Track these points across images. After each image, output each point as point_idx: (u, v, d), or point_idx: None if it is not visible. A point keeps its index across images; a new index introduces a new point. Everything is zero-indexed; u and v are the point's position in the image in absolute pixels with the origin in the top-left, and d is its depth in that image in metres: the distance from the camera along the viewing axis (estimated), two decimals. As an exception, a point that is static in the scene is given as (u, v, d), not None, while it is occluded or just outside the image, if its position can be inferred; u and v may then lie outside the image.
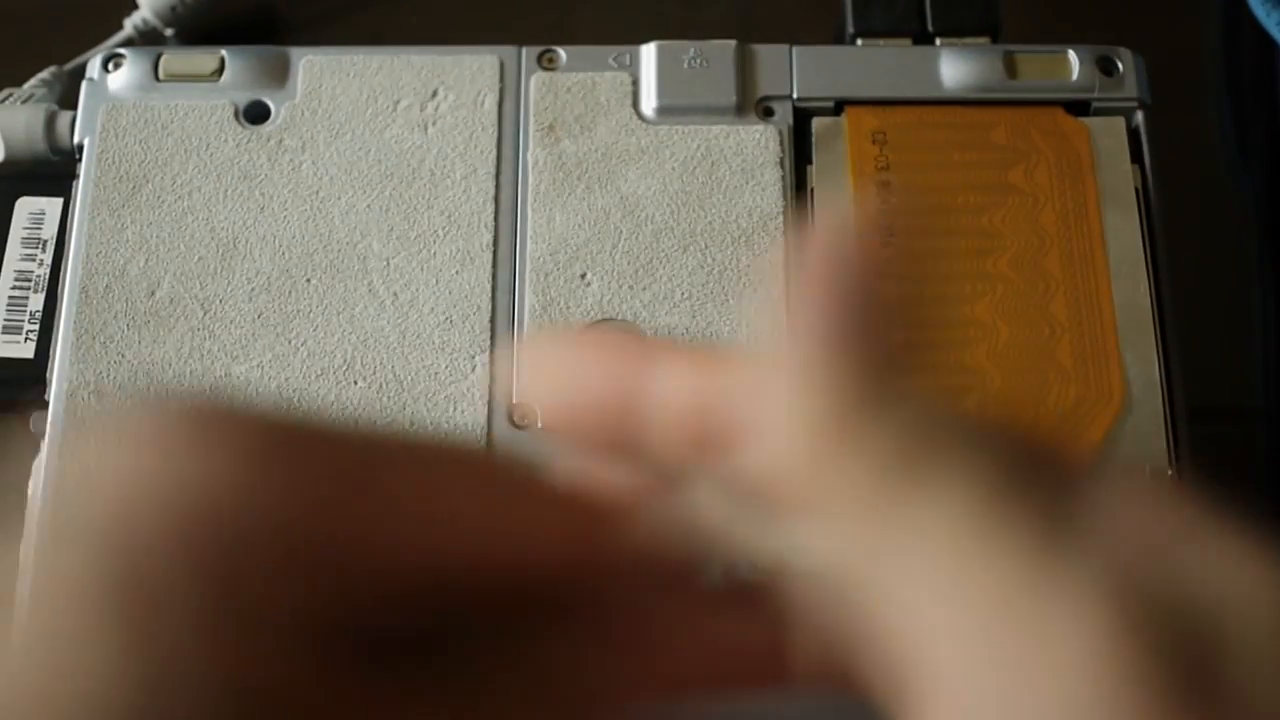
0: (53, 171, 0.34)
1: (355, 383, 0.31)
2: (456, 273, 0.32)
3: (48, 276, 0.32)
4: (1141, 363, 0.31)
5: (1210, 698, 0.13)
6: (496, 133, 0.33)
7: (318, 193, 0.33)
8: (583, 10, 0.40)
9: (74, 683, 0.13)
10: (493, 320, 0.31)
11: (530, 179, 0.33)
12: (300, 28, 0.40)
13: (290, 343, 0.31)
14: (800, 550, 0.16)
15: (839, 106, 0.34)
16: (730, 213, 0.32)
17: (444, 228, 0.32)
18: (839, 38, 0.36)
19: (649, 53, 0.34)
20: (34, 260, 0.33)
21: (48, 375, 0.31)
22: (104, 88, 0.34)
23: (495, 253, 0.32)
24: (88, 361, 0.31)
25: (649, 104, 0.34)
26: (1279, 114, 0.39)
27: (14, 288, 0.32)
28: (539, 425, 0.30)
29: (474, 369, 0.31)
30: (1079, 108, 0.34)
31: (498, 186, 0.33)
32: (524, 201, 0.33)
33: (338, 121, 0.33)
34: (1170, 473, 0.30)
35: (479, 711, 0.16)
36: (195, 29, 0.39)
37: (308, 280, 0.32)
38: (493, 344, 0.31)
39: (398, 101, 0.34)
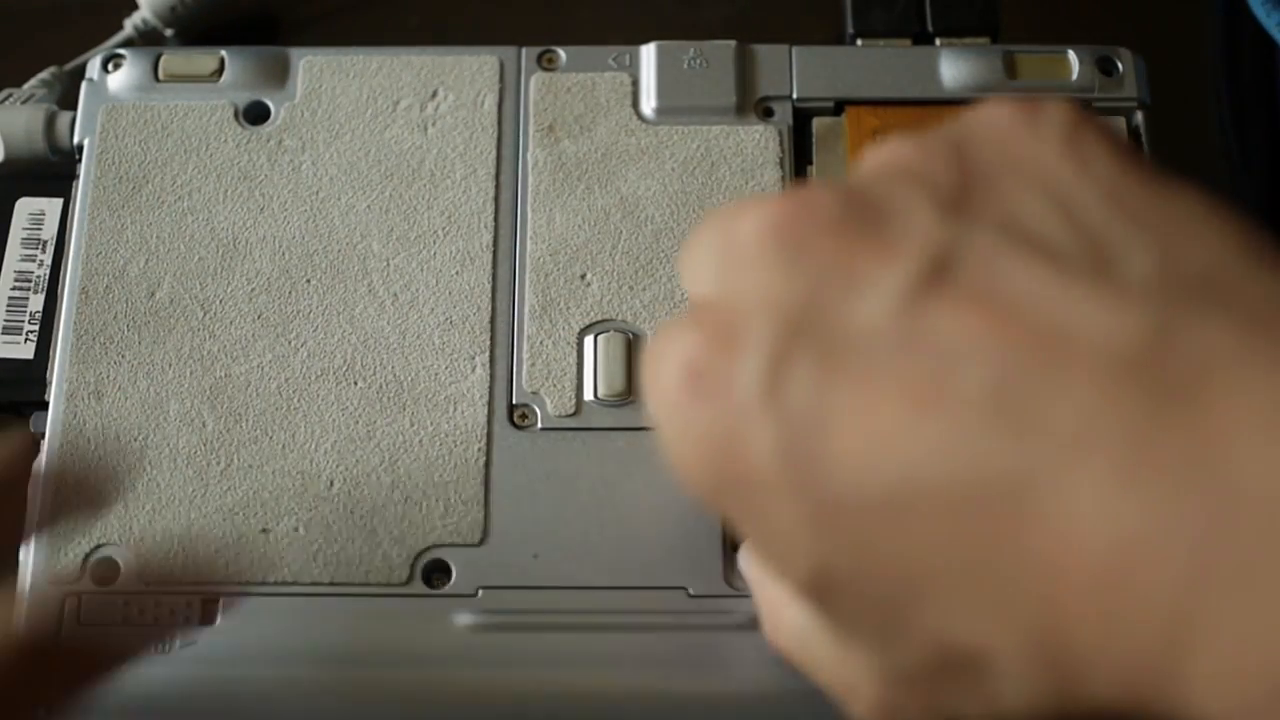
0: (53, 172, 0.34)
1: (355, 383, 0.31)
2: (456, 273, 0.32)
3: (48, 277, 0.32)
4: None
5: None
6: (496, 133, 0.33)
7: (317, 193, 0.33)
8: (582, 10, 0.40)
9: None
10: (492, 321, 0.31)
11: (530, 179, 0.33)
12: (300, 28, 0.40)
13: (290, 343, 0.31)
14: None
15: (839, 106, 0.34)
16: (730, 213, 0.32)
17: (444, 228, 0.32)
18: (839, 38, 0.36)
19: (649, 53, 0.34)
20: (34, 261, 0.33)
21: (47, 376, 0.31)
22: (104, 88, 0.34)
23: (495, 253, 0.32)
24: (88, 362, 0.31)
25: (649, 104, 0.34)
26: (1279, 114, 0.39)
27: (14, 288, 0.32)
28: (538, 426, 0.30)
29: (474, 369, 0.31)
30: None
31: (497, 187, 0.33)
32: (524, 202, 0.33)
33: (337, 122, 0.33)
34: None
35: None
36: (195, 29, 0.39)
37: (308, 281, 0.32)
38: (493, 344, 0.31)
39: (397, 102, 0.34)
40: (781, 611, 0.25)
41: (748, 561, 0.28)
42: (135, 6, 0.39)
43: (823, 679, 0.24)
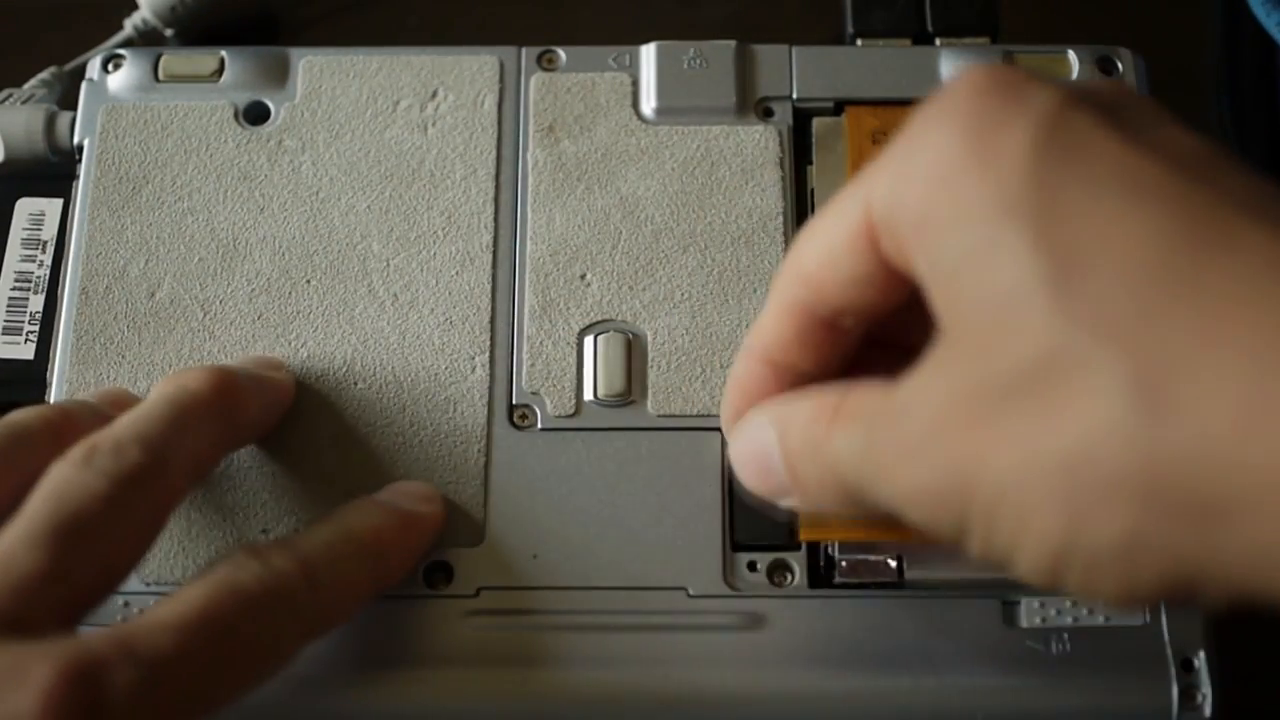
0: (53, 172, 0.34)
1: (355, 384, 0.31)
2: (456, 273, 0.32)
3: (48, 277, 0.32)
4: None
5: None
6: (496, 133, 0.33)
7: (317, 193, 0.33)
8: (582, 10, 0.40)
9: None
10: (492, 321, 0.31)
11: (530, 179, 0.33)
12: (300, 28, 0.40)
13: (290, 344, 0.31)
14: None
15: (839, 106, 0.34)
16: (730, 213, 0.32)
17: (444, 228, 0.32)
18: (839, 38, 0.36)
19: (649, 53, 0.34)
20: (34, 261, 0.33)
21: (48, 376, 0.31)
22: (104, 88, 0.34)
23: (495, 253, 0.32)
24: (88, 363, 0.31)
25: (649, 104, 0.34)
26: (1279, 114, 0.39)
27: (14, 288, 0.32)
28: (538, 426, 0.30)
29: (474, 370, 0.31)
30: (1079, 108, 0.34)
31: (497, 187, 0.33)
32: (524, 202, 0.33)
33: (337, 122, 0.33)
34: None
35: None
36: (195, 29, 0.39)
37: (308, 281, 0.32)
38: (492, 345, 0.31)
39: (397, 102, 0.34)
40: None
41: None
42: (135, 6, 0.39)
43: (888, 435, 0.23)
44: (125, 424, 0.26)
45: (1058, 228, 0.19)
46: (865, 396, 0.23)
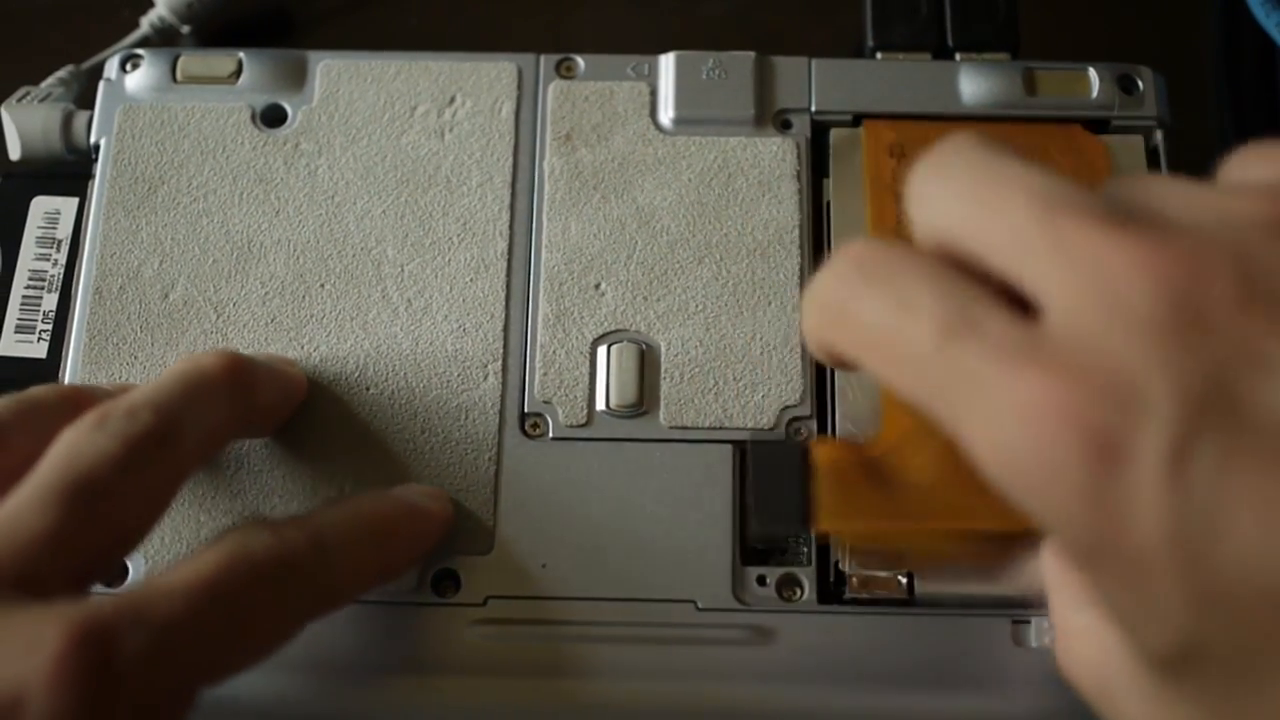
0: (69, 171, 0.34)
1: (367, 389, 0.31)
2: (471, 280, 0.32)
3: (62, 276, 0.32)
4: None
5: None
6: (513, 140, 0.33)
7: (333, 197, 0.33)
8: (582, 11, 0.40)
9: None
10: (506, 329, 0.31)
11: (546, 187, 0.33)
12: (313, 24, 0.40)
13: (303, 347, 0.31)
14: None
15: (857, 120, 0.34)
16: (746, 225, 0.32)
17: (459, 235, 0.32)
18: (858, 51, 0.36)
19: (667, 63, 0.34)
20: (48, 260, 0.33)
21: (60, 375, 0.31)
22: (121, 88, 0.34)
23: (510, 261, 0.32)
24: (100, 363, 0.31)
25: (666, 114, 0.33)
26: (1279, 114, 0.39)
27: (28, 287, 0.32)
28: (549, 435, 0.30)
29: (486, 377, 0.31)
30: (1098, 126, 0.34)
31: (513, 194, 0.33)
32: (539, 210, 0.32)
33: (354, 126, 0.33)
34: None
35: None
36: (211, 25, 0.39)
37: (321, 285, 0.32)
38: (505, 353, 0.31)
39: (415, 107, 0.33)
40: (1080, 641, 0.23)
41: (1051, 572, 0.24)
42: (152, 4, 0.39)
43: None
44: (139, 392, 0.26)
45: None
46: None
